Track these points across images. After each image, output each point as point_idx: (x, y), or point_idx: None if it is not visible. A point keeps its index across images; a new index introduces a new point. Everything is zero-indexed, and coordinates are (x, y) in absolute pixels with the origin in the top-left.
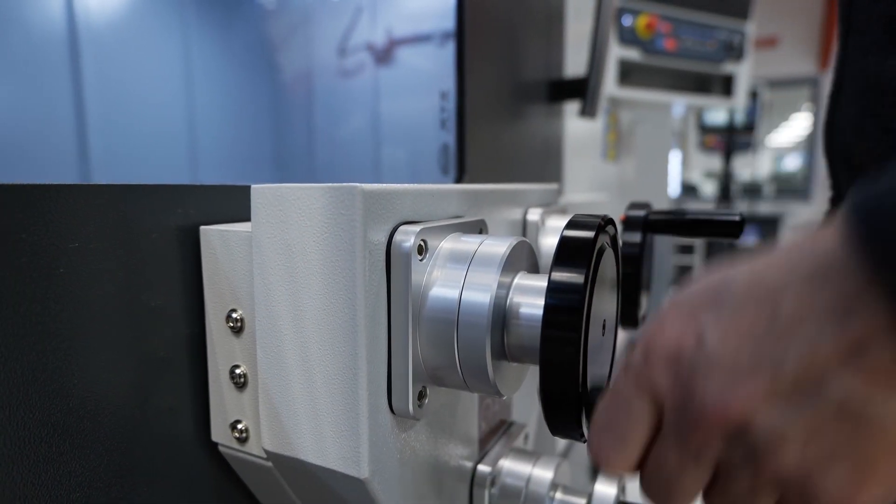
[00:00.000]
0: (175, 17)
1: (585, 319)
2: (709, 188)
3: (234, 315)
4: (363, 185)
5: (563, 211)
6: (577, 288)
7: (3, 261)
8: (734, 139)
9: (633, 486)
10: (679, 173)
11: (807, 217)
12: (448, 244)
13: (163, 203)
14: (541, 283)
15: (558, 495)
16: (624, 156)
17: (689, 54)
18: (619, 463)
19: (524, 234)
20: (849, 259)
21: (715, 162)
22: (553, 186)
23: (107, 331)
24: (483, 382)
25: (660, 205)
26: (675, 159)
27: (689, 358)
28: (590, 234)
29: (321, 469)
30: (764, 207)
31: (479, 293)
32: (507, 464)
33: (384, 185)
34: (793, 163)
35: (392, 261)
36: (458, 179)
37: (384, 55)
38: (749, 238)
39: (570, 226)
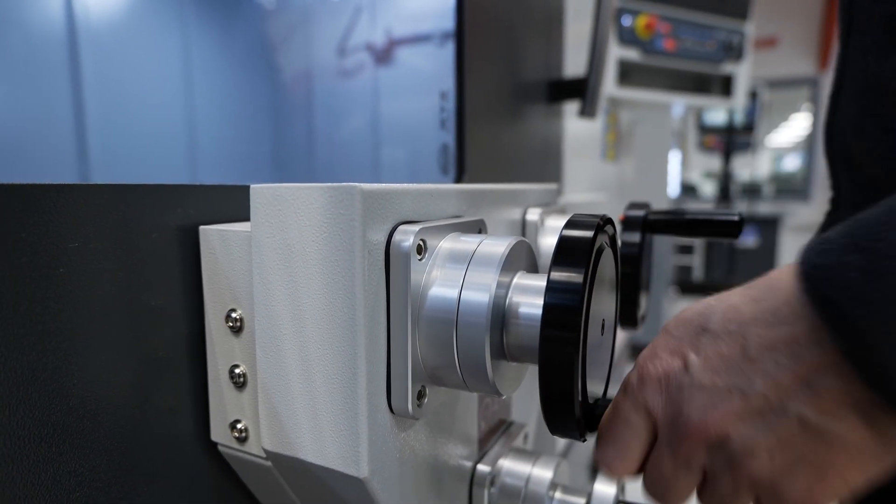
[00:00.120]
0: (174, 17)
1: (584, 319)
2: (708, 188)
3: (234, 315)
4: (362, 184)
5: (562, 211)
6: (576, 287)
7: (2, 260)
8: (733, 139)
9: (633, 486)
10: (678, 173)
11: (806, 217)
12: (447, 244)
13: (162, 203)
14: (540, 282)
15: (558, 495)
16: (623, 156)
17: (688, 54)
18: (621, 470)
19: (523, 234)
20: (798, 306)
21: (714, 162)
22: (552, 186)
23: (106, 330)
24: (482, 382)
25: (659, 205)
26: (674, 159)
27: (676, 381)
28: (589, 233)
29: (321, 468)
30: (763, 208)
31: (479, 293)
32: (507, 463)
33: (383, 185)
34: (792, 163)
35: (391, 260)
36: (458, 179)
37: (384, 55)
38: (748, 238)
39: (569, 225)
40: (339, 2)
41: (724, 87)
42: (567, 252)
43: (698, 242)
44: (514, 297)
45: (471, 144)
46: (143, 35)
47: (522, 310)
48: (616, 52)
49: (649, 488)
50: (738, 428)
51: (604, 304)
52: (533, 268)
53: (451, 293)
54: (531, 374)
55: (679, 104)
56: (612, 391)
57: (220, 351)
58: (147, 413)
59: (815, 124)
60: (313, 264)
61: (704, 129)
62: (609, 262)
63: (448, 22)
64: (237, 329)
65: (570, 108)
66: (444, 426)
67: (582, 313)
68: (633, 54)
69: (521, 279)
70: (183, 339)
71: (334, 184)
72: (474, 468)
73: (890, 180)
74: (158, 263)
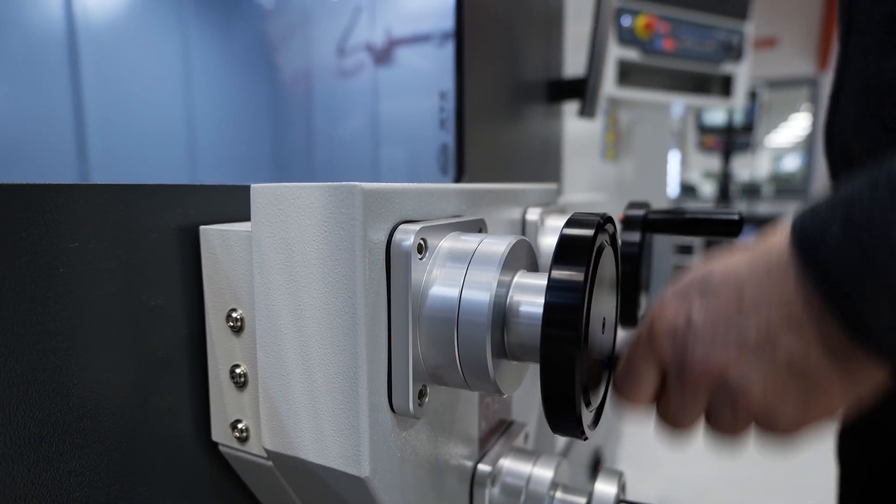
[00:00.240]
0: (174, 17)
1: (585, 317)
2: (708, 188)
3: (234, 314)
4: (363, 183)
5: (562, 211)
6: (577, 286)
7: (3, 260)
8: (733, 139)
9: (632, 486)
10: (678, 173)
11: None
12: (448, 243)
13: (162, 203)
14: (541, 281)
15: (558, 494)
16: (623, 156)
17: (688, 54)
18: (637, 404)
19: (523, 234)
20: (788, 262)
21: (714, 162)
22: (552, 186)
23: (107, 330)
24: (483, 381)
25: (659, 205)
26: (674, 159)
27: (682, 335)
28: (589, 232)
29: (322, 468)
30: (763, 208)
31: (479, 292)
32: (508, 463)
33: (384, 184)
34: (792, 163)
35: (392, 260)
36: (457, 179)
37: (383, 55)
38: (748, 238)
39: (569, 224)
40: (338, 2)
41: (724, 87)
42: (568, 250)
43: (698, 242)
44: (515, 296)
45: (470, 144)
46: (142, 35)
47: (523, 308)
48: (616, 52)
49: (661, 419)
50: (735, 369)
51: (604, 302)
52: (533, 267)
53: (451, 292)
54: (532, 373)
55: (679, 104)
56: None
57: (221, 351)
58: (147, 413)
59: (814, 124)
60: (314, 264)
61: (704, 130)
62: (609, 260)
63: (448, 22)
64: (238, 329)
65: (570, 108)
66: (445, 425)
67: (583, 312)
68: (632, 54)
69: (521, 278)
70: (183, 338)
71: (335, 183)
72: (475, 468)
73: None
74: (159, 263)
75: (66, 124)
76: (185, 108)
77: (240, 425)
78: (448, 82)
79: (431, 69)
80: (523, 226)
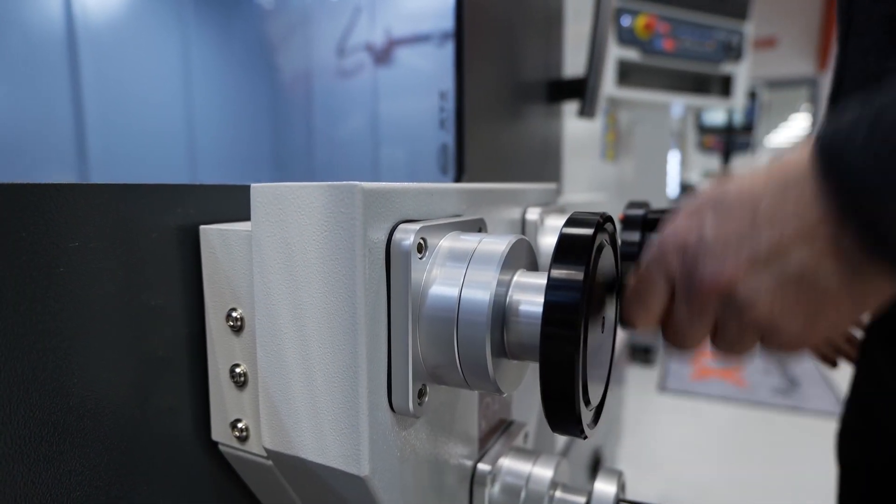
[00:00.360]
0: (174, 17)
1: (585, 316)
2: None
3: (234, 314)
4: (363, 183)
5: (561, 210)
6: (576, 285)
7: (3, 260)
8: (733, 139)
9: (632, 486)
10: (678, 173)
11: None
12: (447, 242)
13: (162, 202)
14: (540, 280)
15: (558, 494)
16: (623, 156)
17: (687, 55)
18: (644, 323)
19: (523, 234)
20: (808, 174)
21: (714, 162)
22: (552, 186)
23: (107, 330)
24: (483, 380)
25: (659, 205)
26: (673, 159)
27: (694, 247)
28: (589, 231)
29: (321, 467)
30: None
31: (479, 291)
32: (507, 462)
33: (384, 184)
34: None
35: (392, 259)
36: (457, 179)
37: (383, 55)
38: None
39: (569, 223)
40: (338, 2)
41: (724, 87)
42: (567, 249)
43: None
44: (515, 295)
45: (470, 144)
46: (142, 35)
47: (523, 308)
48: (615, 52)
49: (668, 337)
50: (744, 282)
51: (604, 302)
52: (533, 266)
53: (451, 291)
54: (531, 372)
55: (678, 104)
56: (612, 391)
57: (221, 350)
58: (147, 412)
59: (814, 124)
60: (314, 263)
61: (704, 130)
62: (609, 259)
63: (447, 22)
64: (237, 328)
65: (570, 108)
66: (445, 425)
67: (582, 311)
68: (632, 54)
69: (521, 277)
70: (183, 338)
71: (335, 182)
72: (475, 467)
73: None
74: (159, 263)
75: (66, 124)
76: (185, 108)
77: (240, 425)
78: (448, 82)
79: (431, 69)
80: (523, 225)
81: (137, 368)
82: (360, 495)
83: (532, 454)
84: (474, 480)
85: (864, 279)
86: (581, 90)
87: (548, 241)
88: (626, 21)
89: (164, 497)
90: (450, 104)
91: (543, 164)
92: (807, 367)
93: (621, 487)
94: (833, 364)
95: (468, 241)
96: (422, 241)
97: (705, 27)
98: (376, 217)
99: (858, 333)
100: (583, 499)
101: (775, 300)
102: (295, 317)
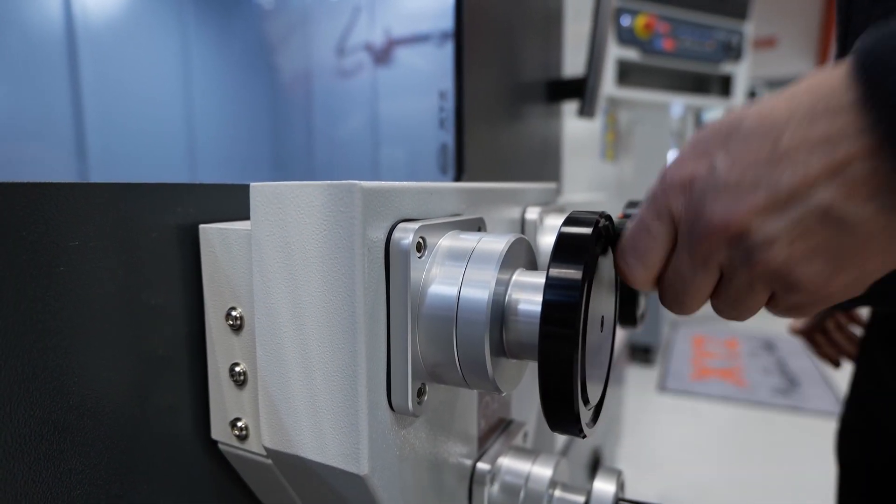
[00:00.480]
0: (173, 17)
1: (584, 315)
2: None
3: (234, 313)
4: (362, 182)
5: (561, 210)
6: (575, 284)
7: (3, 259)
8: None
9: (632, 486)
10: None
11: None
12: (447, 241)
13: (162, 202)
14: (539, 279)
15: (557, 493)
16: (622, 156)
17: (687, 54)
18: (640, 277)
19: (522, 233)
20: (843, 95)
21: None
22: (551, 186)
23: (107, 329)
24: (482, 379)
25: None
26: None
27: (701, 183)
28: (588, 230)
29: (321, 466)
30: None
31: (478, 290)
32: (507, 461)
33: (383, 183)
34: None
35: (391, 258)
36: (457, 179)
37: (383, 55)
38: None
39: (568, 222)
40: (337, 2)
41: (723, 87)
42: (566, 249)
43: None
44: (514, 294)
45: (470, 144)
46: (142, 34)
47: (522, 307)
48: (615, 52)
49: (666, 294)
50: (760, 222)
51: (603, 301)
52: (532, 265)
53: (450, 290)
54: (531, 371)
55: (678, 104)
56: (612, 391)
57: (220, 349)
58: (147, 411)
59: None
60: (313, 262)
61: None
62: (608, 259)
63: (447, 22)
64: (237, 327)
65: (570, 107)
66: (444, 424)
67: (581, 310)
68: (632, 54)
69: (520, 276)
70: (183, 337)
71: (334, 181)
72: (474, 466)
73: None
74: (158, 262)
75: (66, 123)
76: (185, 108)
77: (239, 423)
78: (447, 82)
79: (431, 69)
80: (522, 225)
81: (137, 367)
82: (359, 494)
83: (531, 453)
84: (473, 479)
85: None
86: (581, 90)
87: (547, 241)
88: (625, 21)
89: (163, 495)
90: (449, 104)
91: (543, 164)
92: (807, 367)
93: (620, 487)
94: (836, 364)
95: (467, 240)
96: (421, 241)
97: (705, 27)
98: (376, 216)
99: (859, 332)
100: (582, 498)
101: (795, 243)
102: (294, 316)
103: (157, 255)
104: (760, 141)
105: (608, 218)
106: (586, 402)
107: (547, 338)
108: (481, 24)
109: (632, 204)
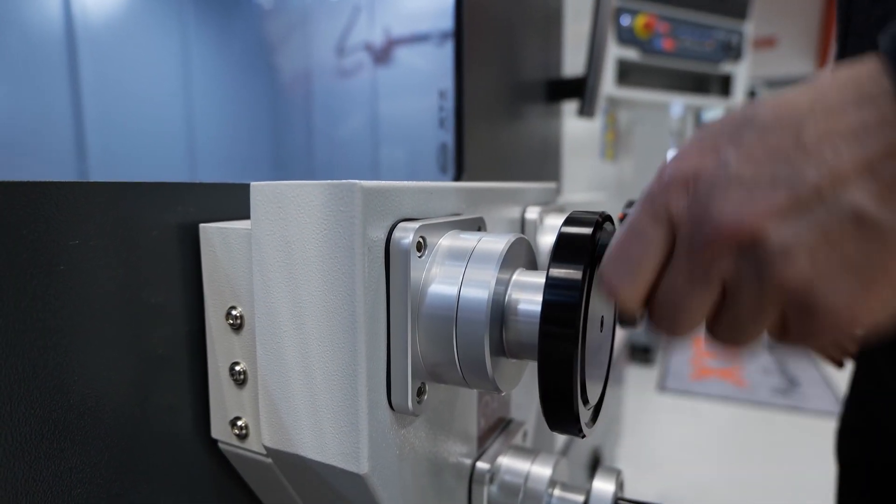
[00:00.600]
0: (173, 17)
1: (584, 315)
2: None
3: (234, 312)
4: (362, 181)
5: (561, 209)
6: (575, 284)
7: (3, 257)
8: None
9: (631, 485)
10: None
11: None
12: (447, 241)
13: (163, 201)
14: (539, 279)
15: (557, 492)
16: (622, 155)
17: (687, 54)
18: (629, 293)
19: (522, 233)
20: (873, 87)
21: None
22: (551, 185)
23: (107, 328)
24: (482, 379)
25: None
26: None
27: (709, 178)
28: (588, 230)
29: (321, 465)
30: None
31: (478, 289)
32: (506, 461)
33: (383, 182)
34: None
35: (391, 258)
36: (457, 178)
37: (382, 55)
38: None
39: (568, 222)
40: (337, 1)
41: (723, 86)
42: (566, 248)
43: None
44: (514, 294)
45: (469, 143)
46: (141, 34)
47: (522, 306)
48: (615, 52)
49: (656, 314)
50: (778, 226)
51: (603, 301)
52: (532, 265)
53: (450, 290)
54: (530, 371)
55: (678, 104)
56: (611, 390)
57: (221, 348)
58: (147, 410)
59: None
60: (313, 261)
61: None
62: None
63: (447, 21)
64: (237, 326)
65: (569, 107)
66: (444, 423)
67: (581, 310)
68: (631, 54)
69: (520, 276)
70: (183, 336)
71: (334, 181)
72: (474, 465)
73: None
74: (159, 261)
75: (66, 123)
76: (185, 108)
77: (239, 422)
78: (447, 81)
79: (430, 68)
80: (522, 224)
81: (137, 366)
82: (359, 493)
83: (531, 453)
84: (473, 479)
85: None
86: (580, 90)
87: (547, 240)
88: (625, 20)
89: (163, 494)
90: (449, 103)
91: (543, 164)
92: (806, 366)
93: (620, 486)
94: (840, 364)
95: (467, 239)
96: (421, 240)
97: (705, 27)
98: (376, 215)
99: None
100: (581, 497)
101: (819, 253)
102: (294, 315)
103: (157, 254)
104: (780, 133)
105: (608, 218)
106: (586, 401)
107: (547, 337)
108: (481, 24)
109: (632, 204)
